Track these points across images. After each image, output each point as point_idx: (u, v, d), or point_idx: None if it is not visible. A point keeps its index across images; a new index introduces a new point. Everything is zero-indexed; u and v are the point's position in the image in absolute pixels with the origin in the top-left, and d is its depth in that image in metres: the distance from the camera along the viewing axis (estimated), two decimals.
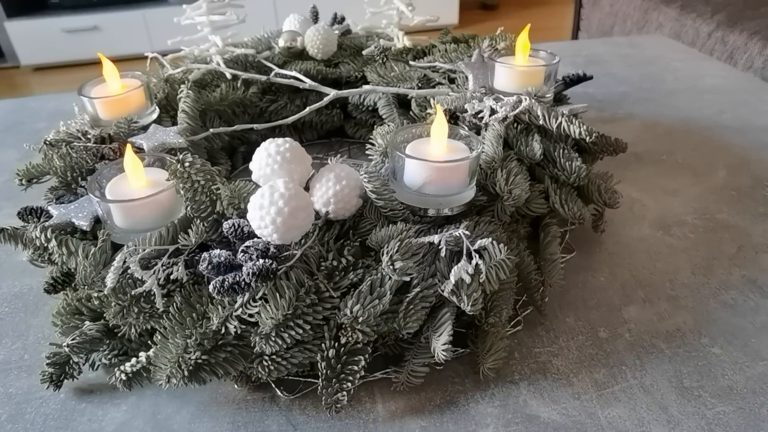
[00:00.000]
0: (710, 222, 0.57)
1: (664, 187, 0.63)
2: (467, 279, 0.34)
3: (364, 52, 0.60)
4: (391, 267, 0.35)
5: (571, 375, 0.41)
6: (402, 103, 0.59)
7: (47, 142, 0.50)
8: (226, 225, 0.36)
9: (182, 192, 0.38)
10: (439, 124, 0.40)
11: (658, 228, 0.56)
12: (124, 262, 0.37)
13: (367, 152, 0.46)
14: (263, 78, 0.56)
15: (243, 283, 0.34)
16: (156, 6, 2.56)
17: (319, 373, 0.37)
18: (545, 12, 3.09)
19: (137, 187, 0.41)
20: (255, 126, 0.51)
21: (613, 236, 0.55)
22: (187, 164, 0.38)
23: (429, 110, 0.50)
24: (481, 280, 0.35)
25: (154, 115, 0.55)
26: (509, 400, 0.39)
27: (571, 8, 1.95)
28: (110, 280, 0.36)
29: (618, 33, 1.65)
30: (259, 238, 0.36)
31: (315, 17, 0.68)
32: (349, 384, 0.36)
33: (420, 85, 0.57)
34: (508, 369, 0.41)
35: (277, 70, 0.57)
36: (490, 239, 0.35)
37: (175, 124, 0.55)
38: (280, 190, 0.35)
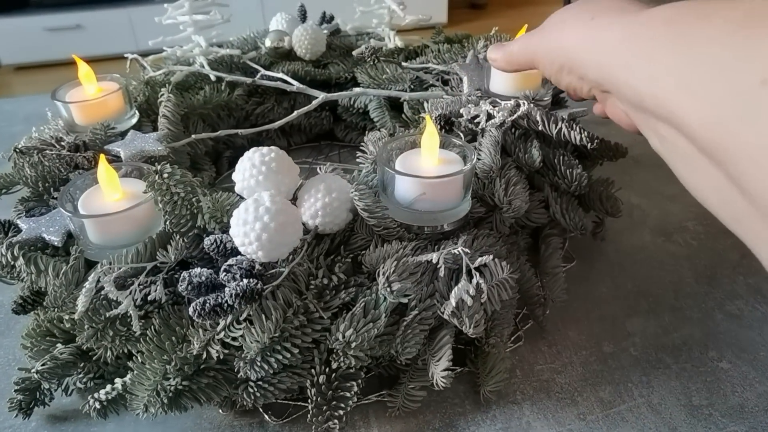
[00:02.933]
0: (712, 228, 0.55)
1: (664, 192, 0.61)
2: (468, 301, 0.32)
3: (354, 53, 0.58)
4: (388, 288, 0.32)
5: (575, 393, 0.39)
6: (394, 105, 0.57)
7: (17, 150, 0.47)
8: (207, 241, 0.34)
9: (161, 205, 0.35)
10: (430, 135, 0.37)
11: (659, 234, 0.55)
12: (98, 281, 0.34)
13: (357, 159, 0.43)
14: (249, 80, 0.54)
15: (225, 304, 0.31)
16: (142, 4, 2.50)
17: (309, 400, 0.34)
18: (534, 11, 3.08)
19: (112, 200, 0.38)
20: (240, 131, 0.48)
21: (614, 244, 0.53)
22: (165, 175, 0.35)
23: (422, 114, 0.48)
24: (482, 301, 0.33)
25: (134, 120, 0.52)
26: (512, 423, 0.37)
27: (558, 7, 1.94)
28: (82, 303, 0.33)
29: None
30: (242, 255, 0.33)
31: (303, 16, 0.65)
32: (341, 411, 0.34)
33: (412, 87, 0.55)
34: (510, 388, 0.39)
35: (263, 72, 0.54)
36: (491, 256, 0.33)
37: (156, 129, 0.52)
38: (265, 204, 0.32)
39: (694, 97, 0.21)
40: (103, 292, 0.34)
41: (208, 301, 0.31)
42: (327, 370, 0.34)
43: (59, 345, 0.38)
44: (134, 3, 2.52)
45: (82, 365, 0.38)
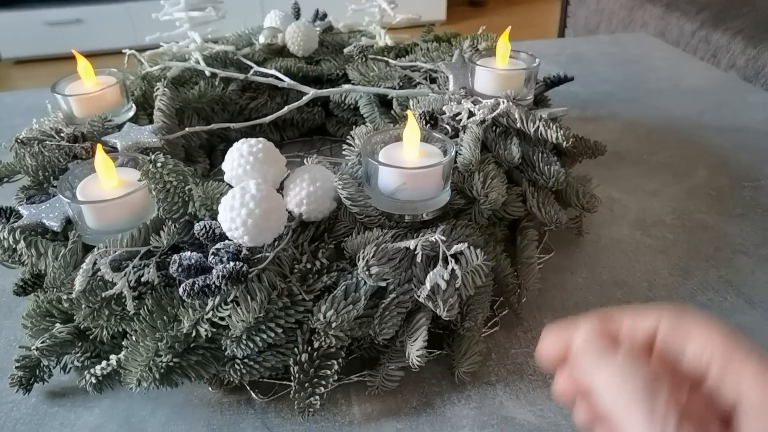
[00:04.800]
0: (689, 222, 0.57)
1: (645, 188, 0.63)
2: (443, 285, 0.34)
3: (345, 50, 0.60)
4: (367, 272, 0.34)
5: (547, 376, 0.41)
6: (383, 102, 0.59)
7: (19, 140, 0.49)
8: (197, 227, 0.36)
9: (154, 193, 0.38)
10: (411, 128, 0.39)
11: (637, 228, 0.57)
12: (95, 264, 0.36)
13: (343, 152, 0.45)
14: (242, 77, 0.56)
15: (213, 285, 0.33)
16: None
17: (292, 377, 0.36)
18: (532, 9, 3.10)
19: (109, 188, 0.40)
20: (232, 125, 0.50)
21: (593, 236, 0.55)
22: (159, 164, 0.37)
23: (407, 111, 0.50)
24: (457, 286, 0.35)
25: (131, 113, 0.54)
26: (485, 402, 0.39)
27: (557, 5, 1.96)
28: (79, 282, 0.35)
29: (604, 30, 1.65)
30: (230, 240, 0.35)
31: (296, 13, 0.67)
32: (322, 388, 0.36)
33: (401, 84, 0.57)
34: (485, 370, 0.41)
35: (255, 68, 0.56)
36: (466, 244, 0.35)
37: (152, 122, 0.54)
38: (251, 192, 0.34)
39: None
40: (99, 274, 0.36)
41: (197, 282, 0.33)
42: (309, 349, 0.36)
43: (58, 324, 0.40)
44: None
45: (79, 344, 0.40)
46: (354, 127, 0.63)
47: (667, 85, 0.88)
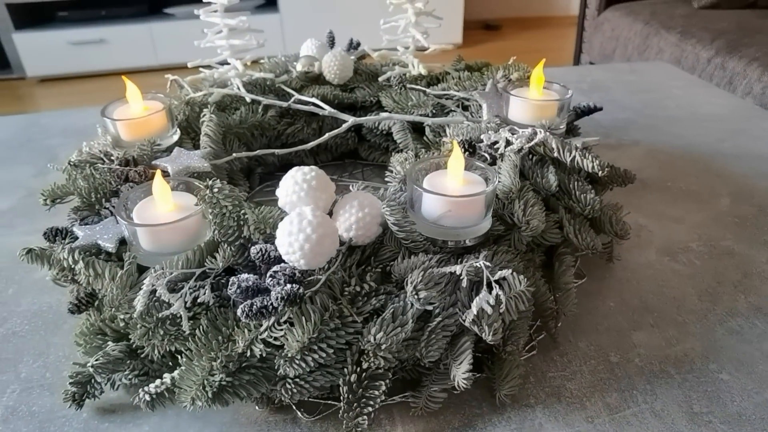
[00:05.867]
0: (715, 249, 0.58)
1: (669, 214, 0.64)
2: (489, 310, 0.35)
3: (380, 79, 0.62)
4: (415, 296, 0.36)
5: (584, 399, 0.42)
6: (416, 128, 0.61)
7: (71, 163, 0.52)
8: (253, 250, 0.37)
9: (210, 217, 0.39)
10: (456, 158, 0.41)
11: (664, 254, 0.58)
12: (152, 285, 0.38)
13: (386, 178, 0.47)
14: (284, 104, 0.58)
15: (271, 306, 0.35)
16: (162, 20, 2.59)
17: (341, 397, 0.37)
18: (547, 34, 3.14)
19: (165, 211, 0.42)
20: (276, 151, 0.52)
21: (622, 262, 0.56)
22: (215, 190, 0.39)
23: (444, 138, 0.52)
24: (501, 311, 0.36)
25: (175, 137, 0.56)
26: (525, 424, 0.40)
27: (572, 31, 1.99)
28: (140, 304, 0.37)
29: (619, 57, 1.68)
30: (285, 263, 0.37)
31: (331, 42, 0.70)
32: (370, 408, 0.37)
33: (434, 111, 0.59)
34: (524, 393, 0.42)
35: (296, 96, 0.58)
36: (510, 270, 0.37)
37: (195, 146, 0.56)
38: (308, 218, 0.36)
39: None
40: (156, 295, 0.38)
41: (255, 304, 0.35)
42: (358, 369, 0.37)
43: (110, 343, 0.42)
44: (155, 18, 2.60)
45: (129, 362, 0.42)
46: (386, 152, 0.66)
47: (686, 113, 0.90)
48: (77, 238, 0.45)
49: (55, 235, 0.46)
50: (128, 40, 2.57)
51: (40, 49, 2.52)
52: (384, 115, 0.55)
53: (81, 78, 2.58)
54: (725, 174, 0.72)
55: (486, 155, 0.47)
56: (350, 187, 0.43)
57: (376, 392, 0.37)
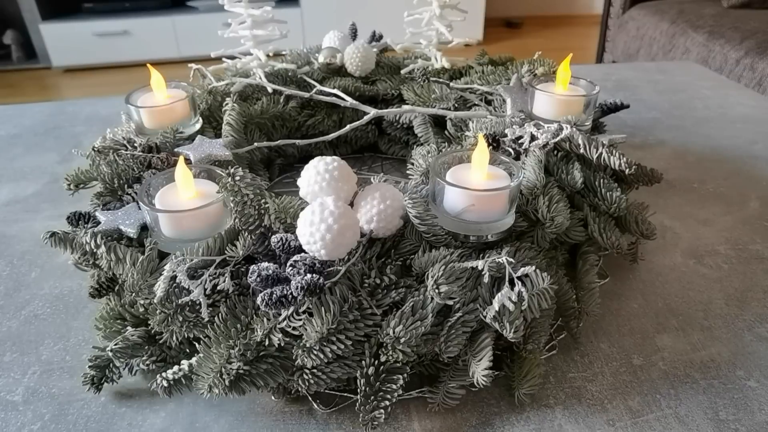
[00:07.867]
0: (743, 253, 0.57)
1: (696, 216, 0.63)
2: (510, 306, 0.35)
3: (402, 71, 0.61)
4: (436, 290, 0.35)
5: (605, 401, 0.41)
6: (437, 122, 0.60)
7: (95, 149, 0.52)
8: (274, 239, 0.37)
9: (232, 205, 0.39)
10: (481, 152, 0.40)
11: (690, 257, 0.56)
12: (173, 271, 0.38)
13: (407, 171, 0.47)
14: (306, 95, 0.58)
15: (291, 296, 0.34)
16: (185, 13, 2.61)
17: (358, 390, 0.37)
18: (569, 33, 3.11)
19: (187, 198, 0.42)
20: (297, 141, 0.52)
21: (646, 263, 0.55)
22: (237, 178, 0.39)
23: (467, 132, 0.51)
24: (522, 308, 0.35)
25: (198, 126, 0.56)
26: (544, 424, 0.39)
27: (594, 30, 1.96)
28: (161, 289, 0.37)
29: (643, 56, 1.65)
30: (305, 253, 0.37)
31: (354, 34, 0.69)
32: (387, 402, 0.37)
33: (456, 105, 0.58)
34: (543, 393, 0.41)
35: (318, 87, 0.58)
36: (533, 267, 0.36)
37: (217, 135, 0.56)
38: (330, 208, 0.35)
39: None
40: (176, 281, 0.38)
41: (275, 293, 0.34)
42: (376, 362, 0.37)
43: (129, 328, 0.42)
44: (178, 11, 2.63)
45: (147, 348, 0.42)
46: (405, 145, 0.65)
47: (715, 114, 0.87)
48: (99, 222, 0.45)
49: (78, 219, 0.46)
50: (151, 32, 2.60)
51: (66, 40, 2.56)
52: (406, 107, 0.55)
53: (105, 69, 2.62)
54: (756, 177, 0.70)
55: (510, 150, 0.46)
56: (371, 179, 0.42)
57: (394, 386, 0.37)
